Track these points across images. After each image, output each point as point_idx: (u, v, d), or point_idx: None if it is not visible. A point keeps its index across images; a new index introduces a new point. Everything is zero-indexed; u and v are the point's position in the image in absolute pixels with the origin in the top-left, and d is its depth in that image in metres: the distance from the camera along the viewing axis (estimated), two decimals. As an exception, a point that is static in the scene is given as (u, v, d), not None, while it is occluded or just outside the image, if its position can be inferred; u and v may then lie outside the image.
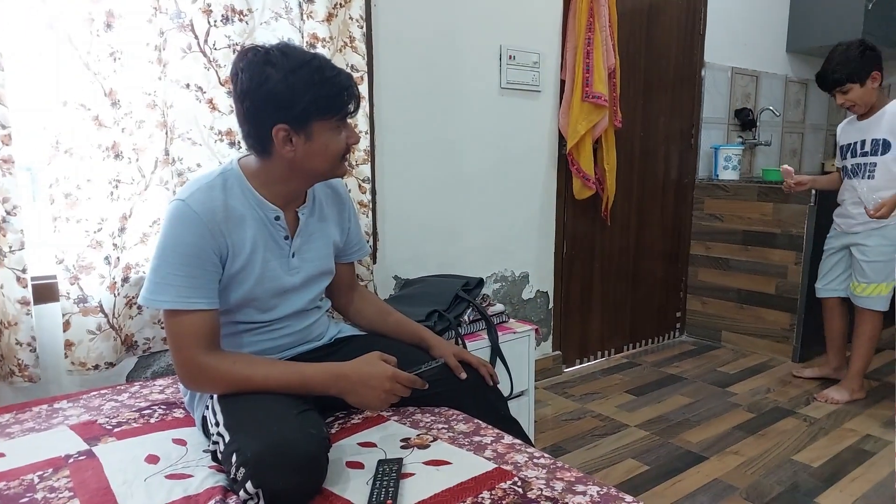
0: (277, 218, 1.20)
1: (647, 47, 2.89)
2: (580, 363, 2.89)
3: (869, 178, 2.31)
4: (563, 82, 2.52)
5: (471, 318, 1.83)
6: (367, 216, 1.94)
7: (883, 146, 2.26)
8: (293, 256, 1.24)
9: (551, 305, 2.70)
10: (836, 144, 2.51)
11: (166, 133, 1.57)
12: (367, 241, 1.91)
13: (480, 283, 1.93)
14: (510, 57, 2.34)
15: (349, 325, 1.48)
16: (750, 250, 3.05)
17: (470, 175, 2.32)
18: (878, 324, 2.41)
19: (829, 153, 4.10)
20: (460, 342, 1.72)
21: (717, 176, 3.21)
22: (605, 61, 2.48)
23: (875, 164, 2.29)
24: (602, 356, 2.99)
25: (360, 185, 1.91)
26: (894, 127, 2.23)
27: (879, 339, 2.49)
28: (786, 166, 2.57)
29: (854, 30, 3.33)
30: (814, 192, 2.78)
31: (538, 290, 2.63)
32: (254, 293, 1.19)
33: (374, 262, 2.05)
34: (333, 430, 1.20)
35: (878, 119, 2.28)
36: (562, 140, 2.57)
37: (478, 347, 1.79)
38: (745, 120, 3.39)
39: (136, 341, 1.60)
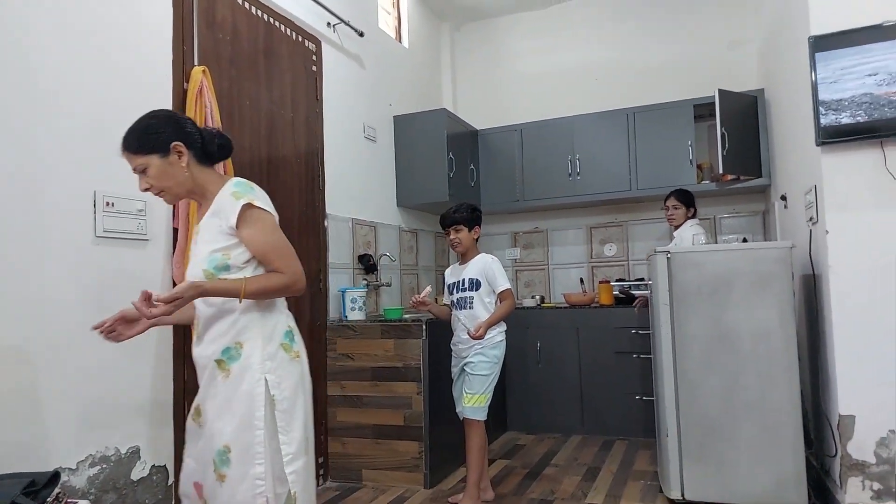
0: None
1: (271, 199, 2.99)
2: (213, 540, 2.53)
3: (469, 308, 2.84)
4: (175, 230, 2.39)
5: (37, 529, 1.43)
6: None
7: (476, 283, 2.85)
8: None
9: (171, 481, 2.34)
10: (444, 283, 2.99)
11: None
12: None
13: (55, 477, 1.54)
14: (108, 204, 2.12)
15: None
16: (379, 385, 3.25)
17: (58, 336, 1.94)
18: (483, 433, 2.81)
19: (439, 289, 4.81)
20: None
21: (346, 317, 3.41)
22: (222, 212, 2.45)
23: (472, 298, 2.84)
24: (240, 524, 2.69)
25: None
26: (482, 270, 2.86)
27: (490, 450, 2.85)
28: (428, 288, 2.93)
29: (441, 191, 4.11)
30: (425, 326, 3.17)
31: (154, 466, 2.26)
32: None
33: None
34: None
35: (474, 263, 2.89)
36: (179, 291, 2.38)
37: (46, 567, 1.39)
38: (367, 264, 3.75)
39: None
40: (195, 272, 1.61)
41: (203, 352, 1.63)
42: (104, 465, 2.08)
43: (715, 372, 2.70)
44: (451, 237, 2.91)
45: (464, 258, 2.95)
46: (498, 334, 2.84)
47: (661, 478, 2.97)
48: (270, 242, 1.61)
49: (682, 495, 2.71)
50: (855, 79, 2.40)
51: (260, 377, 1.56)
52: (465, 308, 2.86)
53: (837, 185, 2.48)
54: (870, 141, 2.41)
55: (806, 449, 2.62)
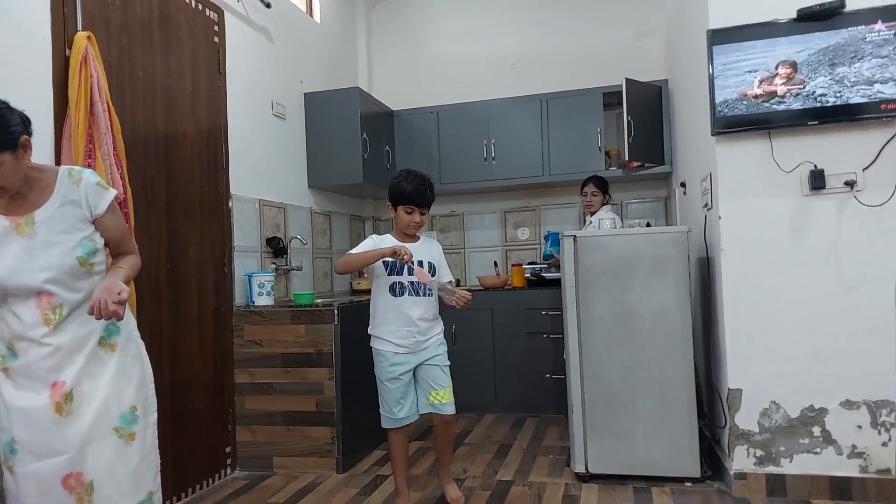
0: None
1: (168, 178, 2.82)
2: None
3: (429, 294, 2.52)
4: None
5: None
6: None
7: (433, 269, 2.54)
8: None
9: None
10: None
11: None
12: None
13: None
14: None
15: None
16: (290, 372, 3.16)
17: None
18: None
19: (355, 274, 4.72)
20: None
21: (254, 302, 3.28)
22: (111, 191, 2.27)
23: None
24: (137, 522, 2.54)
25: None
26: (438, 255, 2.60)
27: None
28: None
29: (356, 173, 4.03)
30: (336, 311, 3.11)
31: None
32: None
33: None
34: None
35: (426, 246, 2.56)
36: (62, 277, 2.19)
37: None
38: (276, 248, 3.62)
39: None
40: (61, 262, 1.60)
41: (66, 336, 1.63)
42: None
43: (617, 349, 2.81)
44: (418, 220, 2.49)
45: (410, 237, 2.56)
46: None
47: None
48: (125, 227, 1.82)
49: (587, 468, 2.83)
50: (736, 75, 2.54)
51: (139, 341, 1.81)
52: (421, 294, 2.49)
53: (730, 173, 2.63)
54: (759, 132, 2.56)
55: (699, 421, 2.79)
